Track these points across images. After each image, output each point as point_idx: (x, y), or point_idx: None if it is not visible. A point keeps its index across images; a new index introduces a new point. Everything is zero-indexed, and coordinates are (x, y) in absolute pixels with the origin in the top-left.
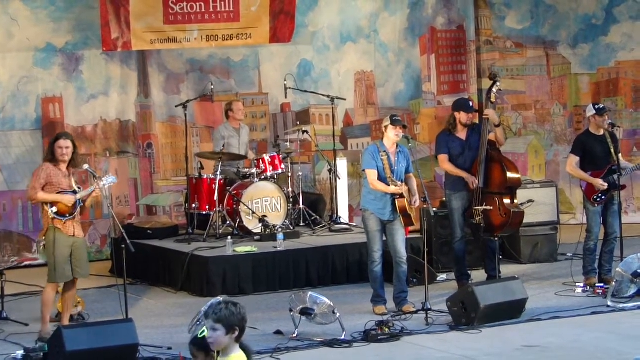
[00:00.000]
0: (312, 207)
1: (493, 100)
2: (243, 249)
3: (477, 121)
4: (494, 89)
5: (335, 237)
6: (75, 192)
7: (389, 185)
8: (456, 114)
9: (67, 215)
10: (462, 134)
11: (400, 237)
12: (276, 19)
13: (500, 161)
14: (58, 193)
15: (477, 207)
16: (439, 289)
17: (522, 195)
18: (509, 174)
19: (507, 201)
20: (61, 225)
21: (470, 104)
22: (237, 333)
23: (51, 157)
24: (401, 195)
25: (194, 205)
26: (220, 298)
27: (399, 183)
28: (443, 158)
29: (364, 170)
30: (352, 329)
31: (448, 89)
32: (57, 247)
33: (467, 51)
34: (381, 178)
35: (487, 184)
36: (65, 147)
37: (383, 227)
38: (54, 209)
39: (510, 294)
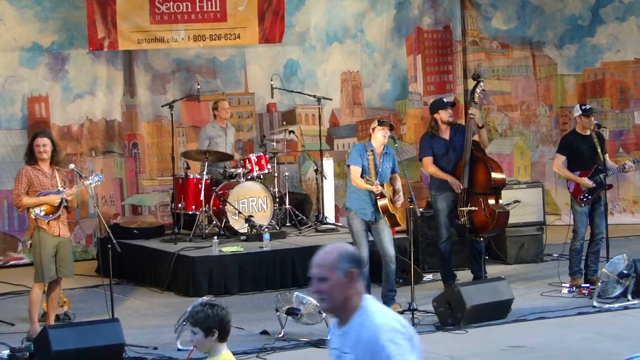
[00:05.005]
0: (298, 207)
1: (477, 100)
2: (229, 249)
3: (461, 121)
4: (478, 90)
5: (321, 237)
6: (59, 192)
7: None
8: (435, 115)
9: (50, 216)
10: (445, 134)
11: (387, 237)
12: (265, 19)
13: (484, 162)
14: (42, 194)
15: (462, 208)
16: (425, 289)
17: (508, 195)
18: (494, 175)
19: (491, 202)
20: (45, 225)
21: (445, 100)
22: (216, 335)
23: (30, 157)
24: (382, 196)
25: (180, 205)
26: (205, 298)
27: (377, 183)
28: (427, 161)
29: (348, 166)
30: None
31: (434, 89)
32: (43, 247)
33: (454, 51)
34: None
35: (472, 185)
36: (42, 144)
37: (368, 227)
38: (38, 210)
39: (496, 295)
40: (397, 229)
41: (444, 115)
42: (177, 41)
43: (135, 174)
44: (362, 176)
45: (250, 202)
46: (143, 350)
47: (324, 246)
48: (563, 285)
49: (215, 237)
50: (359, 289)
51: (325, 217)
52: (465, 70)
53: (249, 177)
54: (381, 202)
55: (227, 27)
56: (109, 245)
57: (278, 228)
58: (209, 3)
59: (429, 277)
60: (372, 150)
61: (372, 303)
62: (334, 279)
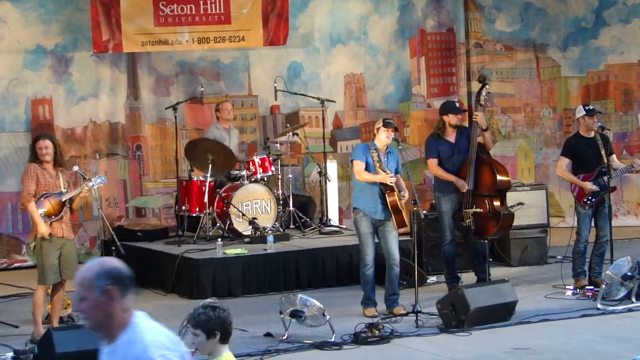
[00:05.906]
0: (302, 209)
1: (482, 103)
2: (233, 251)
3: (466, 124)
4: (483, 92)
5: (325, 240)
6: (61, 194)
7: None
8: (445, 117)
9: (52, 217)
10: (451, 137)
11: (393, 240)
12: (269, 22)
13: (490, 164)
14: (43, 196)
15: (467, 210)
16: (429, 292)
17: (511, 197)
18: (499, 177)
19: (497, 203)
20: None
21: (457, 105)
22: (218, 337)
23: (34, 158)
24: (391, 190)
25: (184, 208)
26: (208, 300)
27: (389, 171)
28: (432, 162)
29: (352, 162)
30: (342, 331)
31: (438, 91)
32: (46, 249)
33: (457, 54)
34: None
35: (477, 187)
36: (44, 147)
37: (375, 229)
38: (40, 211)
39: (500, 297)
40: (401, 230)
41: (452, 119)
42: (182, 43)
43: (139, 176)
44: (366, 169)
45: (254, 205)
46: None
47: (87, 262)
48: (567, 287)
49: (219, 240)
50: (124, 305)
51: (329, 220)
52: (468, 72)
53: (253, 179)
54: (390, 198)
55: (231, 30)
56: (113, 248)
57: (282, 230)
58: (213, 5)
59: (432, 279)
60: (375, 149)
61: (142, 320)
62: (92, 298)
